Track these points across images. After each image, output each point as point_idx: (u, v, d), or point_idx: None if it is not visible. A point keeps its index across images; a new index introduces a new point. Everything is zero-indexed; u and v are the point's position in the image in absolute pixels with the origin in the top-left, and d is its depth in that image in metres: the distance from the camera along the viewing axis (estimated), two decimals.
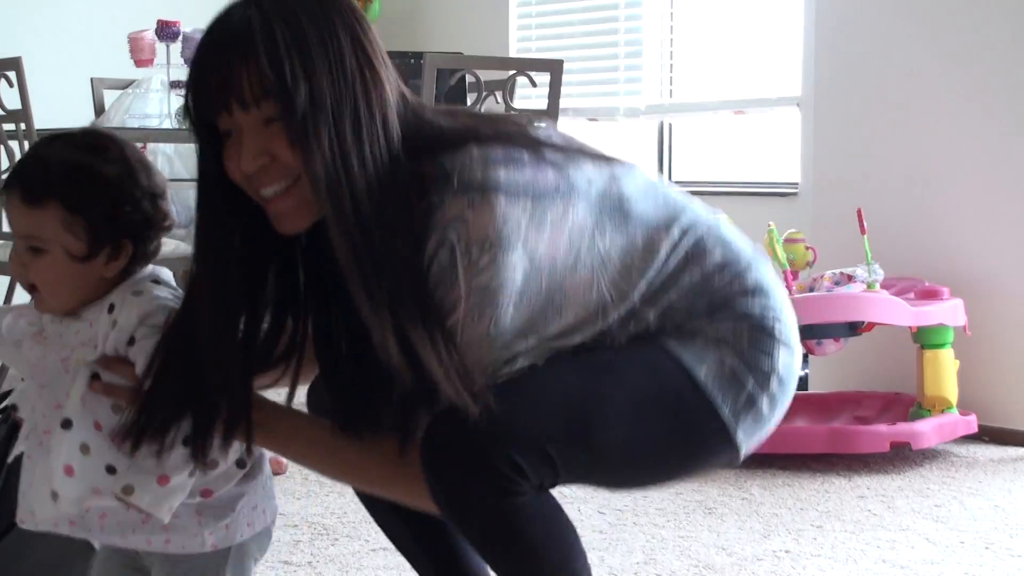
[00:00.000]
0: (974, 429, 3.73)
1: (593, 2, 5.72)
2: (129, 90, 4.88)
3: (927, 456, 3.65)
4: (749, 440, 1.67)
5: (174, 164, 4.84)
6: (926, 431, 3.58)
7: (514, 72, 4.32)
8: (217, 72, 1.51)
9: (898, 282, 3.88)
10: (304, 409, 1.79)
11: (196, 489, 1.63)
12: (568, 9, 5.81)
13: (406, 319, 1.50)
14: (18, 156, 4.18)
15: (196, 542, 1.67)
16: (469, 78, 4.40)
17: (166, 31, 4.55)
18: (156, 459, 1.56)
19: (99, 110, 4.95)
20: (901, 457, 3.62)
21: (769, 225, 3.78)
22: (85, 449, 1.57)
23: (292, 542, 2.81)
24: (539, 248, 1.53)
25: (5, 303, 4.58)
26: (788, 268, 3.74)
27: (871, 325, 3.68)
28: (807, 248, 3.84)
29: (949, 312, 3.71)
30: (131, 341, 1.59)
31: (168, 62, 4.58)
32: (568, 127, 5.34)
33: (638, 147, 5.55)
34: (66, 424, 1.57)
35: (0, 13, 5.68)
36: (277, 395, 1.68)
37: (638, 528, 2.90)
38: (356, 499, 2.01)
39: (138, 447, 1.56)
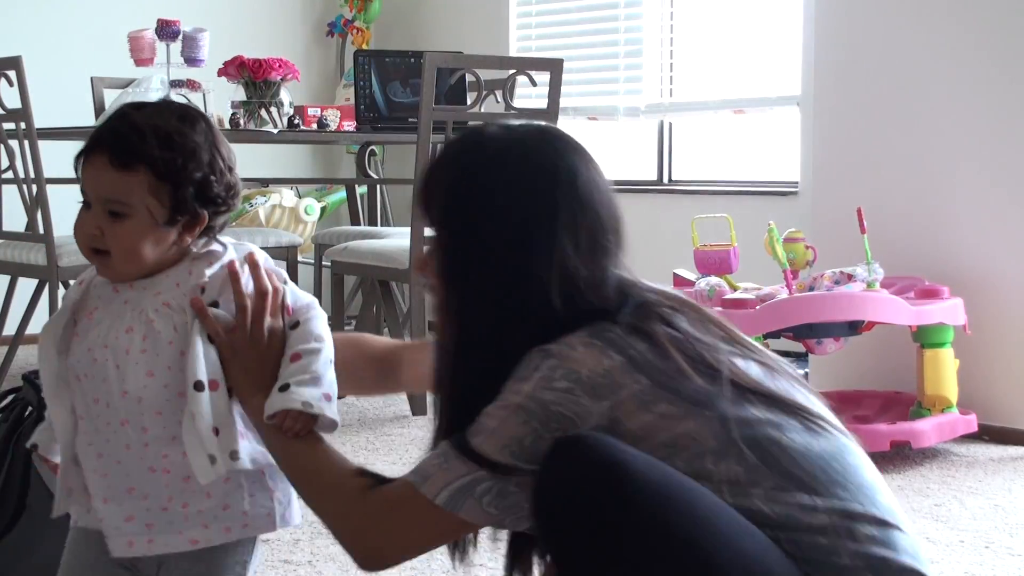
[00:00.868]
0: (974, 428, 3.73)
1: (593, 1, 5.72)
2: (129, 89, 4.87)
3: (927, 455, 3.65)
4: None
5: None
6: (926, 430, 3.58)
7: (514, 71, 4.32)
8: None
9: (898, 281, 3.88)
10: None
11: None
12: (568, 8, 5.81)
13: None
14: (18, 155, 4.18)
15: (263, 520, 1.65)
16: (469, 77, 4.40)
17: (166, 30, 4.55)
18: None
19: (99, 109, 4.95)
20: (901, 456, 3.62)
21: (769, 224, 3.78)
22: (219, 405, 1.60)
23: (292, 541, 2.81)
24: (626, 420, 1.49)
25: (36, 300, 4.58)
26: (788, 267, 3.74)
27: (871, 324, 3.68)
28: (807, 247, 3.84)
29: (949, 311, 3.71)
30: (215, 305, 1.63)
31: (168, 61, 4.58)
32: (568, 126, 5.35)
33: (638, 146, 5.56)
34: (199, 386, 1.57)
35: (0, 12, 5.67)
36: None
37: None
38: None
39: None
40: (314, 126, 4.64)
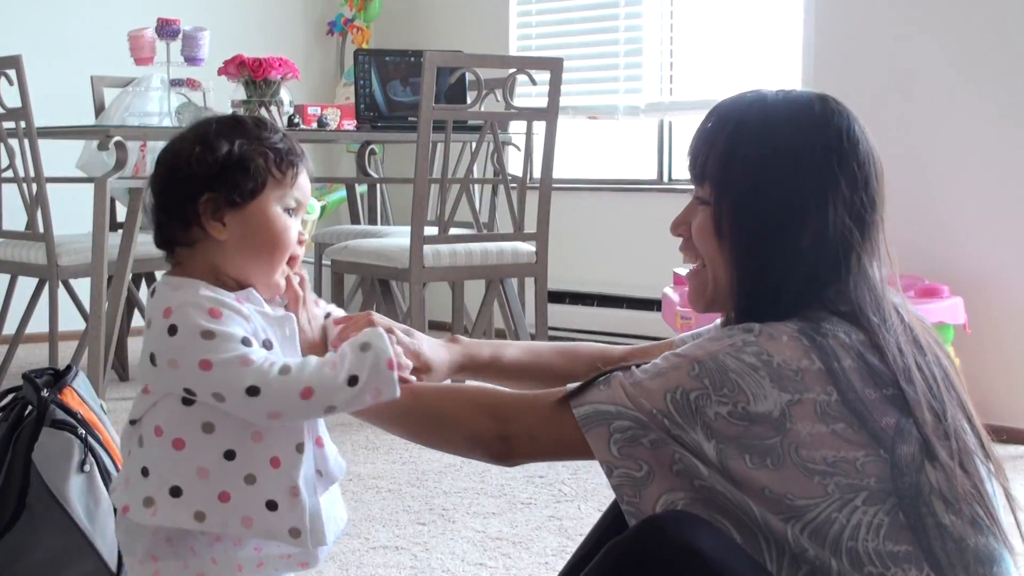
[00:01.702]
0: None
1: (593, 0, 5.72)
2: (129, 88, 4.88)
3: None
4: None
5: None
6: None
7: (514, 70, 4.32)
8: (697, 136, 1.60)
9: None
10: None
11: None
12: (568, 7, 5.81)
13: None
14: (18, 154, 4.19)
15: None
16: (469, 76, 4.40)
17: (166, 29, 4.55)
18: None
19: (99, 108, 4.95)
20: None
21: None
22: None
23: None
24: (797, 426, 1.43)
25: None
26: None
27: None
28: None
29: (949, 310, 3.71)
30: None
31: (168, 60, 4.58)
32: (568, 125, 5.34)
33: (638, 145, 5.56)
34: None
35: (0, 12, 5.68)
36: None
37: None
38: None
39: None
40: (314, 125, 4.64)
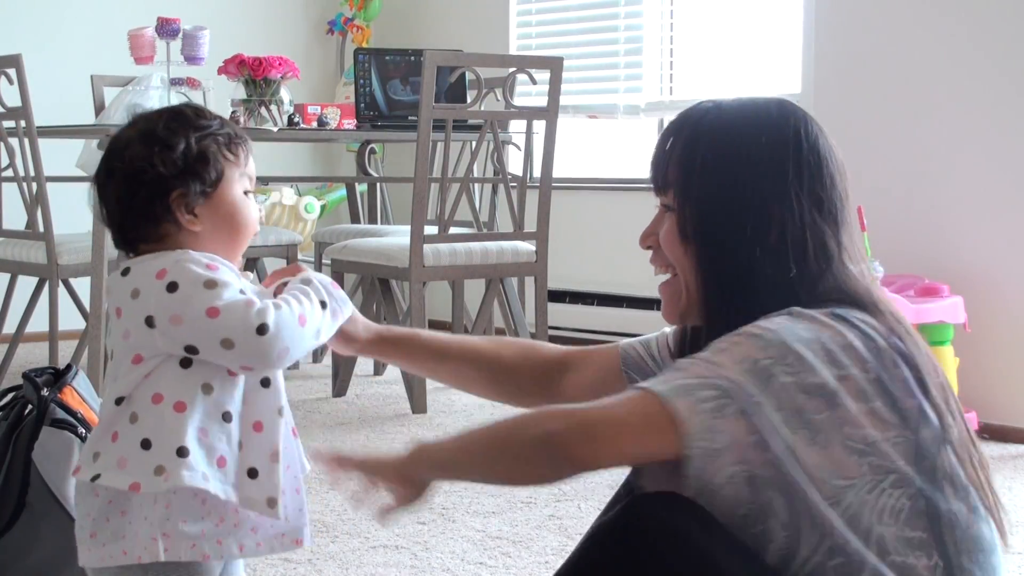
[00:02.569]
0: (974, 426, 3.73)
1: None
2: (129, 87, 4.88)
3: None
4: None
5: None
6: None
7: (514, 69, 4.32)
8: (657, 146, 1.61)
9: (898, 279, 3.88)
10: None
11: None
12: (568, 6, 5.81)
13: None
14: (18, 153, 4.19)
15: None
16: (469, 75, 4.40)
17: (166, 28, 4.55)
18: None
19: (99, 107, 4.95)
20: None
21: None
22: None
23: None
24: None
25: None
26: None
27: None
28: None
29: (949, 309, 3.71)
30: None
31: (168, 59, 4.58)
32: (568, 124, 5.35)
33: (638, 145, 5.56)
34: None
35: (0, 10, 5.68)
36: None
37: None
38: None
39: None
40: (314, 124, 4.64)
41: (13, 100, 4.15)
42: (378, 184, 5.59)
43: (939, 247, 4.01)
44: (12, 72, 4.15)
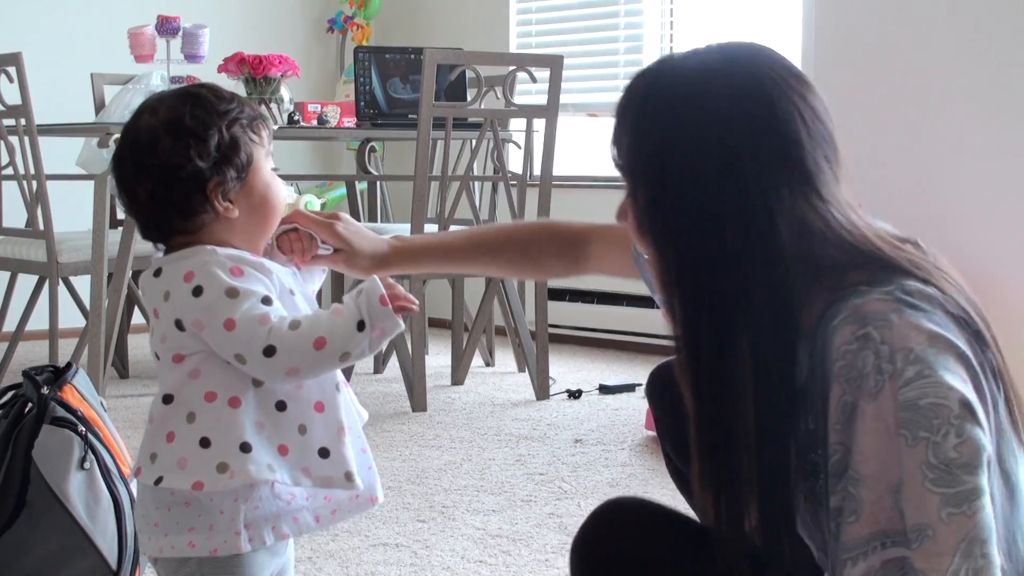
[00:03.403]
0: None
1: None
2: (129, 85, 4.88)
3: None
4: None
5: None
6: None
7: (514, 68, 4.32)
8: (615, 123, 1.49)
9: None
10: None
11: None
12: (568, 4, 5.81)
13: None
14: (18, 151, 4.19)
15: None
16: (469, 74, 4.40)
17: (166, 27, 4.55)
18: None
19: (99, 106, 4.95)
20: None
21: None
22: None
23: None
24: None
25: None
26: None
27: None
28: None
29: None
30: None
31: (168, 57, 4.58)
32: (568, 123, 5.34)
33: None
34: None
35: (0, 8, 5.67)
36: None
37: None
38: None
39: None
40: (314, 122, 4.64)
41: (13, 98, 4.14)
42: (378, 182, 5.59)
43: (939, 245, 3.99)
44: (12, 70, 4.15)
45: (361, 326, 1.53)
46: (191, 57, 4.61)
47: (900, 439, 1.20)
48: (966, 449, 1.20)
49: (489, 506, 3.05)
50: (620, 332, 5.47)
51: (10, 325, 4.53)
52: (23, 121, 4.12)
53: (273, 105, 4.40)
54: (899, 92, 4.13)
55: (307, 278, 1.73)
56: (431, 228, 4.16)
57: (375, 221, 5.49)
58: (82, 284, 4.46)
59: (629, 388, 4.51)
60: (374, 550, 2.71)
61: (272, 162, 1.65)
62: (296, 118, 4.51)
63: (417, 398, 4.16)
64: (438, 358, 5.14)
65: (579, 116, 5.61)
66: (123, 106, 4.74)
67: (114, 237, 4.22)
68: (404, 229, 4.43)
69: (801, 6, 4.56)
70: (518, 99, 4.57)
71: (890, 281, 1.32)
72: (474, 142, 4.31)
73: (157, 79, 4.77)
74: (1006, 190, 3.92)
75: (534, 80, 4.30)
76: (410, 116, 4.65)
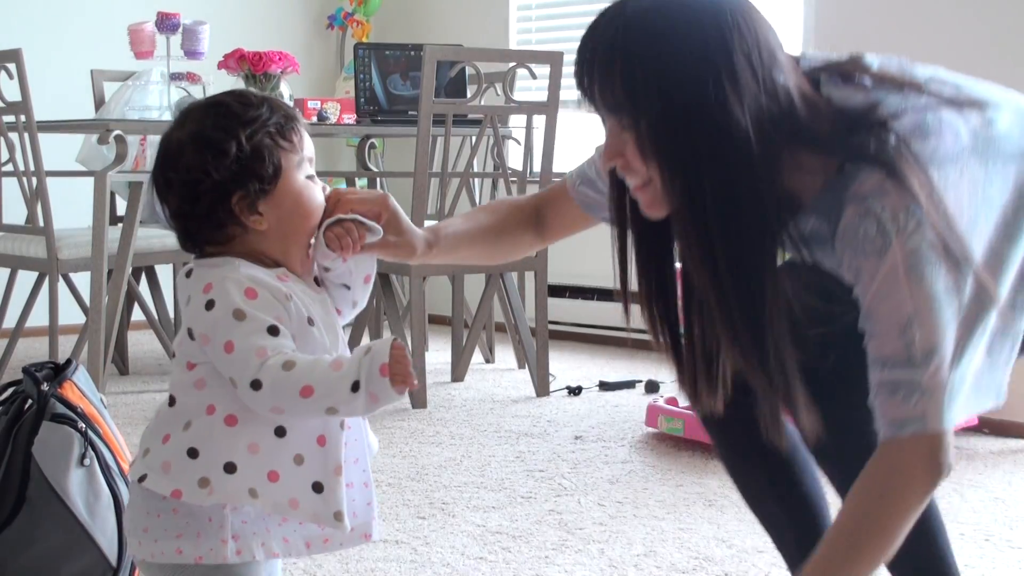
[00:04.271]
0: (974, 421, 3.73)
1: None
2: (129, 82, 4.88)
3: None
4: None
5: None
6: None
7: (514, 64, 4.32)
8: (580, 79, 1.57)
9: None
10: None
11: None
12: (568, 1, 5.81)
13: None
14: (18, 148, 4.19)
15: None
16: (469, 70, 4.39)
17: (166, 23, 4.55)
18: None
19: (99, 102, 4.95)
20: None
21: None
22: None
23: None
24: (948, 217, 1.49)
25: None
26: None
27: None
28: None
29: None
30: None
31: (168, 54, 4.58)
32: (567, 120, 5.34)
33: None
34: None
35: (1, 5, 5.67)
36: None
37: (638, 520, 2.91)
38: None
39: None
40: (314, 119, 4.64)
41: (13, 95, 4.14)
42: (378, 179, 5.59)
43: None
44: (12, 67, 4.14)
45: (355, 387, 1.47)
46: (191, 53, 4.61)
47: (908, 282, 1.45)
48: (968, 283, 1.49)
49: (489, 503, 3.05)
50: (620, 329, 5.46)
51: (10, 322, 4.53)
52: (23, 117, 4.12)
53: None
54: None
55: (359, 266, 1.65)
56: (431, 224, 4.16)
57: None
58: (82, 281, 4.46)
59: (629, 385, 4.51)
60: (374, 546, 2.71)
61: (310, 166, 1.60)
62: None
63: (417, 394, 4.16)
64: (438, 354, 5.14)
65: (579, 112, 5.61)
66: (123, 103, 4.74)
67: (114, 234, 4.22)
68: None
69: (801, 6, 4.56)
70: (518, 95, 4.57)
71: (883, 136, 1.51)
72: (474, 139, 4.31)
73: (157, 76, 4.78)
74: None
75: (534, 76, 4.30)
76: (410, 113, 4.65)
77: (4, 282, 4.56)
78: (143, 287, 4.77)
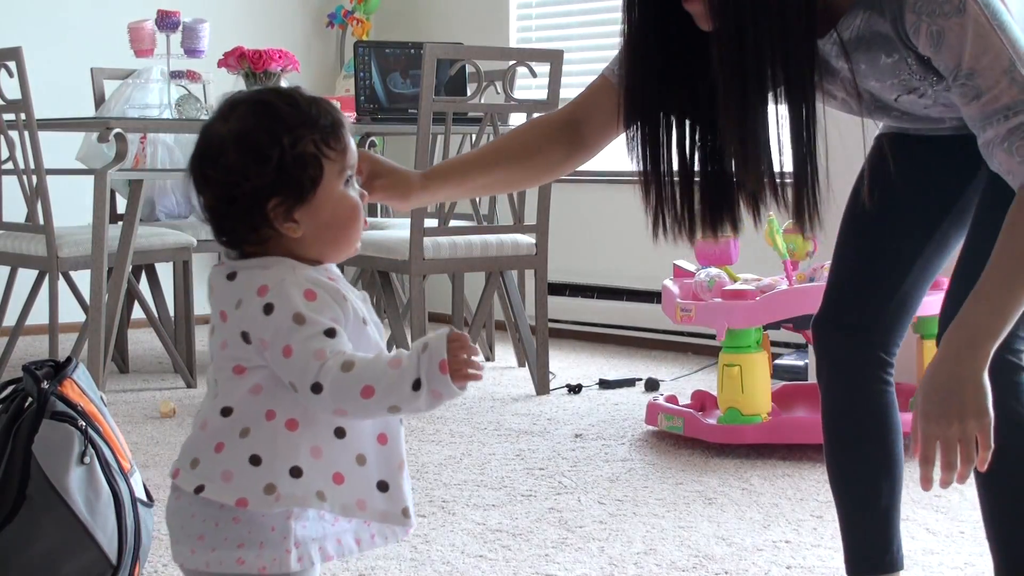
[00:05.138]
0: None
1: None
2: (129, 80, 4.88)
3: None
4: None
5: (174, 154, 4.84)
6: None
7: (514, 62, 4.32)
8: None
9: None
10: None
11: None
12: None
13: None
14: (18, 146, 4.19)
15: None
16: (469, 68, 4.39)
17: (166, 21, 4.55)
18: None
19: (99, 100, 4.95)
20: None
21: (769, 215, 3.77)
22: None
23: None
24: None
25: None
26: (788, 258, 3.74)
27: None
28: (807, 238, 3.84)
29: None
30: None
31: (168, 52, 4.58)
32: None
33: None
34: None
35: (1, 3, 5.67)
36: None
37: (638, 518, 2.91)
38: None
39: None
40: None
41: (13, 93, 4.14)
42: None
43: None
44: (12, 65, 4.14)
45: (417, 385, 1.43)
46: (191, 52, 4.61)
47: (995, 30, 1.61)
48: None
49: (489, 501, 3.05)
50: (620, 327, 5.47)
51: (10, 320, 4.53)
52: (23, 116, 4.12)
53: None
54: None
55: None
56: (431, 223, 4.16)
57: (374, 216, 5.49)
58: (82, 279, 4.46)
59: (629, 383, 4.51)
60: None
61: (351, 172, 1.58)
62: None
63: None
64: None
65: None
66: (123, 101, 4.75)
67: (114, 232, 4.22)
68: (404, 224, 4.43)
69: None
70: (518, 94, 4.57)
71: None
72: (474, 137, 4.31)
73: (157, 74, 4.78)
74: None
75: (534, 75, 4.30)
76: (410, 111, 4.65)
77: (4, 280, 4.56)
78: (143, 285, 4.77)
